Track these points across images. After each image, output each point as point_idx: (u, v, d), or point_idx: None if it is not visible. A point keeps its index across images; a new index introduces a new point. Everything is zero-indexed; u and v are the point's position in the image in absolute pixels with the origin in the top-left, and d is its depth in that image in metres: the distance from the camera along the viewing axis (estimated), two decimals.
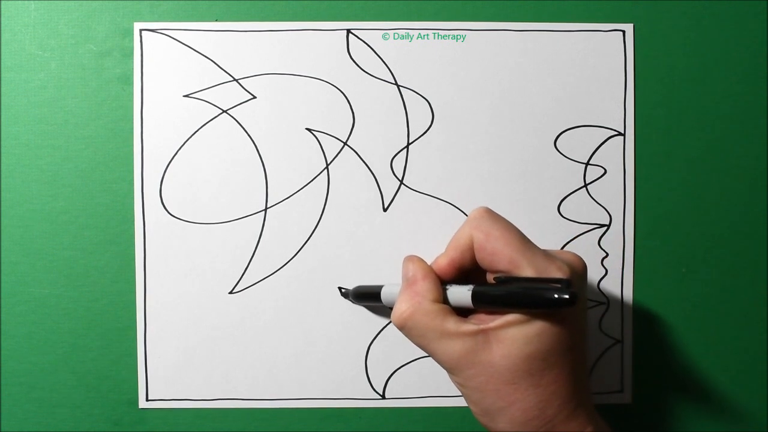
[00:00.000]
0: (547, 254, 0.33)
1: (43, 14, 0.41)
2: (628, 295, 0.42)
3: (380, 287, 0.39)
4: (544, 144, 0.42)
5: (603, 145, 0.42)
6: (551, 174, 0.42)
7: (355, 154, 0.42)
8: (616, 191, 0.42)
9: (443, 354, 0.33)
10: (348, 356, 0.42)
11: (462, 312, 0.34)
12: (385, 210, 0.42)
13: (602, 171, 0.42)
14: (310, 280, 0.42)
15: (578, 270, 0.34)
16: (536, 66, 0.42)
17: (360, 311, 0.42)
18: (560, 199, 0.42)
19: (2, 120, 0.41)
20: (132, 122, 0.41)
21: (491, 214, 0.35)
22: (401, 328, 0.34)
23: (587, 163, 0.42)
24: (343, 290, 0.41)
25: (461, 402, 0.41)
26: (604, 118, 0.42)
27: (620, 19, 0.42)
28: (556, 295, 0.30)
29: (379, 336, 0.42)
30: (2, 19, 0.41)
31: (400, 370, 0.42)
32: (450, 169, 0.42)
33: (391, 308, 0.36)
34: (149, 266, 0.41)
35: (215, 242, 0.42)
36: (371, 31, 0.42)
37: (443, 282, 0.36)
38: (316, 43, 0.42)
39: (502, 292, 0.32)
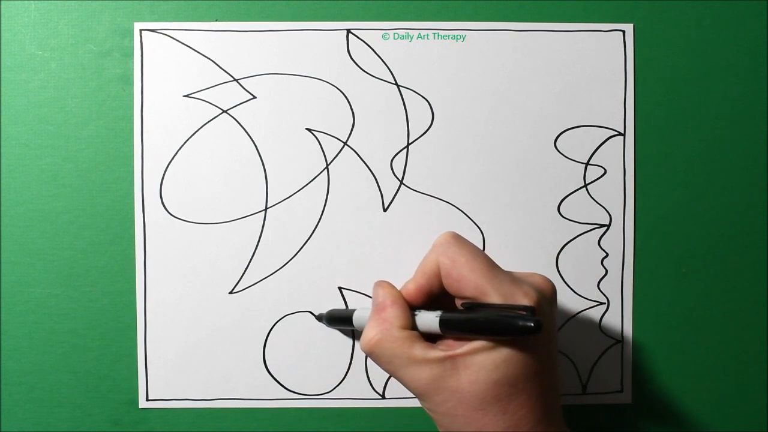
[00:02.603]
0: (514, 279, 0.33)
1: (43, 14, 0.41)
2: (628, 295, 0.42)
3: (353, 311, 0.39)
4: (544, 144, 0.42)
5: (603, 145, 0.42)
6: (551, 174, 0.42)
7: (355, 154, 0.42)
8: (616, 191, 0.42)
9: (411, 381, 0.33)
10: (348, 356, 0.42)
11: (431, 338, 0.34)
12: (385, 210, 0.42)
13: (602, 171, 0.42)
14: (310, 280, 0.42)
15: (546, 293, 0.34)
16: (536, 66, 0.42)
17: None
18: (560, 199, 0.42)
19: (2, 120, 0.41)
20: (132, 122, 0.41)
21: (458, 240, 0.35)
22: (369, 354, 0.34)
23: (587, 163, 0.42)
24: (317, 314, 0.42)
25: None
26: (604, 118, 0.42)
27: (620, 19, 0.42)
28: (521, 323, 0.30)
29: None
30: (2, 19, 0.41)
31: None
32: (450, 169, 0.42)
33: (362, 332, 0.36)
34: (149, 266, 0.41)
35: (215, 242, 0.42)
36: (371, 31, 0.42)
37: (412, 307, 0.36)
38: (316, 43, 0.42)
39: (468, 319, 0.33)
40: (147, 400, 0.42)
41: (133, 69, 0.41)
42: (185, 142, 0.42)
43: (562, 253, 0.42)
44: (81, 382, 0.42)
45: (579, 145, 0.42)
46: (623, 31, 0.42)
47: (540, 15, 0.42)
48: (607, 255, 0.42)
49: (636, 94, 0.42)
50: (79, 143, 0.41)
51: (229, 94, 0.42)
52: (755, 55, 0.42)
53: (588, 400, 0.43)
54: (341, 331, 0.42)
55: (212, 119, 0.42)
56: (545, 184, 0.42)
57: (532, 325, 0.30)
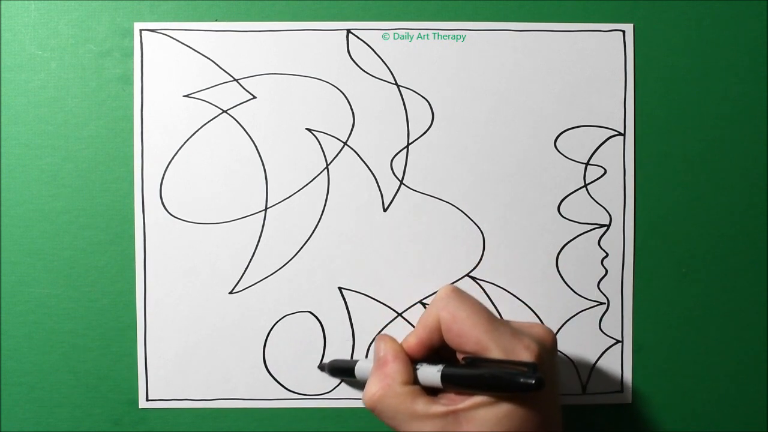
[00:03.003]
0: (514, 333, 0.34)
1: (43, 14, 0.41)
2: (628, 295, 0.42)
3: (355, 362, 0.40)
4: (544, 144, 0.42)
5: (603, 145, 0.42)
6: (551, 174, 0.42)
7: (355, 154, 0.42)
8: (616, 191, 0.42)
9: None
10: (348, 357, 0.42)
11: (432, 390, 0.35)
12: (385, 210, 0.42)
13: (602, 171, 0.42)
14: (310, 280, 0.42)
15: (547, 345, 0.35)
16: (536, 66, 0.42)
17: (361, 312, 0.42)
18: (560, 199, 0.42)
19: (2, 120, 0.41)
20: (132, 122, 0.41)
21: (458, 294, 0.36)
22: (372, 410, 0.35)
23: (587, 163, 0.42)
24: (319, 365, 0.42)
25: None
26: (604, 118, 0.42)
27: (620, 19, 0.42)
28: (522, 380, 0.31)
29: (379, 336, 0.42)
30: (2, 19, 0.41)
31: None
32: (450, 169, 0.42)
33: (365, 383, 0.36)
34: (149, 266, 0.41)
35: (215, 242, 0.42)
36: (371, 31, 0.42)
37: (414, 361, 0.36)
38: (316, 43, 0.42)
39: (470, 374, 0.33)
40: (147, 400, 0.42)
41: (133, 69, 0.41)
42: (185, 142, 0.42)
43: (562, 253, 0.42)
44: (81, 382, 0.42)
45: (579, 145, 0.42)
46: (623, 31, 0.42)
47: (540, 15, 0.42)
48: (607, 255, 0.42)
49: (636, 94, 0.42)
50: (79, 143, 0.41)
51: (229, 94, 0.42)
52: (755, 55, 0.42)
53: (588, 400, 0.43)
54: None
55: (212, 119, 0.42)
56: (545, 184, 0.42)
57: (534, 382, 0.30)
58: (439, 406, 0.33)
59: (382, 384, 0.35)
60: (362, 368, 0.39)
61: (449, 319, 0.35)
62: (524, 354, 0.33)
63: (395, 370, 0.35)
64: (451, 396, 0.34)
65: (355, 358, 0.41)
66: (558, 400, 0.35)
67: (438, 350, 0.36)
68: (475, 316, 0.34)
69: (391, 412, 0.34)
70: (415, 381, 0.35)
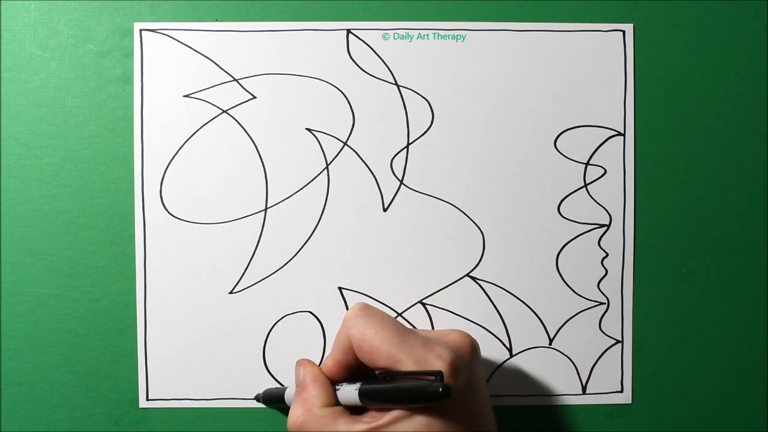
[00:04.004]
0: (427, 343, 0.34)
1: (43, 14, 0.41)
2: (628, 295, 0.42)
3: (284, 389, 0.40)
4: (544, 144, 0.42)
5: (603, 145, 0.42)
6: (551, 174, 0.42)
7: (355, 154, 0.42)
8: (616, 191, 0.42)
9: None
10: None
11: (357, 410, 0.35)
12: (385, 210, 0.42)
13: (602, 171, 0.42)
14: (310, 280, 0.42)
15: (462, 352, 0.35)
16: (536, 66, 0.42)
17: None
18: (560, 199, 0.42)
19: (2, 120, 0.41)
20: (132, 122, 0.41)
21: (367, 311, 0.36)
22: None
23: (587, 163, 0.42)
24: (254, 396, 0.42)
25: None
26: (604, 118, 0.42)
27: (620, 19, 0.42)
28: (430, 389, 0.31)
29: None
30: (2, 19, 0.41)
31: None
32: (450, 169, 0.42)
33: None
34: (149, 266, 0.41)
35: (215, 242, 0.42)
36: (371, 31, 0.42)
37: (334, 382, 0.36)
38: (316, 43, 0.42)
39: (384, 389, 0.33)
40: (147, 400, 0.42)
41: (133, 69, 0.41)
42: (185, 142, 0.42)
43: (562, 253, 0.42)
44: (81, 382, 0.42)
45: (579, 145, 0.42)
46: (623, 31, 0.42)
47: (540, 15, 0.42)
48: (607, 255, 0.42)
49: (636, 94, 0.42)
50: (79, 143, 0.41)
51: (229, 94, 0.42)
52: (755, 55, 0.42)
53: (588, 400, 0.43)
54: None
55: (212, 119, 0.42)
56: (545, 184, 0.42)
57: (440, 390, 0.30)
58: (360, 425, 0.33)
59: (303, 409, 0.35)
60: (290, 395, 0.39)
61: (359, 338, 0.35)
62: (437, 363, 0.33)
63: (314, 394, 0.36)
64: (374, 413, 0.34)
65: (285, 385, 0.41)
66: (484, 404, 0.35)
67: (359, 369, 0.36)
68: (384, 332, 0.34)
69: None
70: (336, 402, 0.36)
